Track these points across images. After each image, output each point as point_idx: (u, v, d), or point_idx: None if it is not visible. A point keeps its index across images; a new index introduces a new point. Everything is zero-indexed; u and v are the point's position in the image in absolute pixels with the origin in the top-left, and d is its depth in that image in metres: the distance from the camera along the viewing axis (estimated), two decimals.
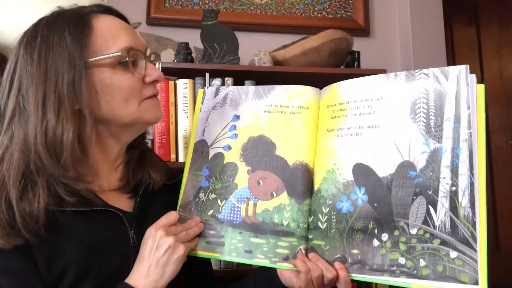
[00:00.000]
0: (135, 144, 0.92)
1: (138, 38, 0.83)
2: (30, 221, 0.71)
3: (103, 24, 0.80)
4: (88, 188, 0.79)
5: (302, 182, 0.85)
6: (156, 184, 0.91)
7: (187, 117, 1.57)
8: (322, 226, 0.82)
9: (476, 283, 0.66)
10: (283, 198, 0.85)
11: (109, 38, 0.79)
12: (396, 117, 0.80)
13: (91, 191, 0.80)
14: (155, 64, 0.88)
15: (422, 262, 0.71)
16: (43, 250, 0.73)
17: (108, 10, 0.84)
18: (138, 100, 0.81)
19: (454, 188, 0.71)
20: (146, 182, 0.90)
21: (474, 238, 0.68)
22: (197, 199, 0.92)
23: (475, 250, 0.68)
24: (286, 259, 0.81)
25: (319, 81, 1.76)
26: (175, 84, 1.60)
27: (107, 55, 0.78)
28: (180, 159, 1.57)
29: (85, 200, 0.78)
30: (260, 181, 0.88)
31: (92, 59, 0.77)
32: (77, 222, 0.77)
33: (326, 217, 0.82)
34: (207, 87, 1.01)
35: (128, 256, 0.82)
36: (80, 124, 0.78)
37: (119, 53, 0.78)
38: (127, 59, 0.79)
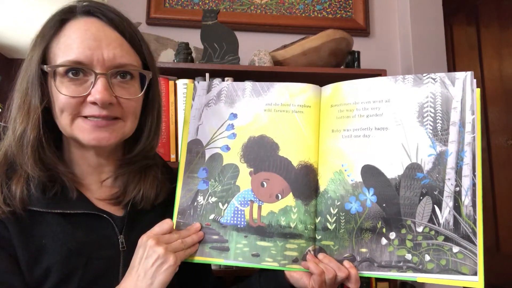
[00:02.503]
0: (133, 160, 0.88)
1: (97, 52, 0.76)
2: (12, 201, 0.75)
3: (70, 31, 0.77)
4: (78, 191, 0.80)
5: (307, 183, 0.84)
6: (148, 203, 0.88)
7: None
8: (330, 227, 0.82)
9: (475, 274, 0.73)
10: (289, 200, 0.84)
11: (64, 47, 0.77)
12: (404, 120, 0.82)
13: (81, 194, 0.80)
14: (125, 79, 0.81)
15: (427, 257, 0.76)
16: (26, 251, 0.73)
17: (91, 13, 0.80)
18: (71, 115, 0.77)
19: (458, 188, 0.77)
20: (138, 200, 0.87)
21: (475, 233, 0.75)
22: (195, 203, 0.88)
23: (475, 245, 0.74)
24: (295, 261, 0.81)
25: (319, 81, 1.75)
26: (175, 84, 1.59)
27: (50, 66, 0.76)
28: None
29: (72, 203, 0.78)
30: (264, 183, 0.86)
31: (44, 65, 0.76)
32: (63, 225, 0.77)
33: (335, 217, 0.82)
34: (198, 82, 0.95)
35: (116, 261, 0.81)
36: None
37: (60, 67, 0.76)
38: (66, 73, 0.76)
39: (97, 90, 0.75)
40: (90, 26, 0.78)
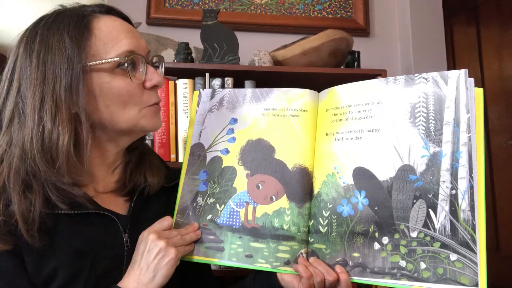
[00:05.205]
0: (134, 146, 0.91)
1: (139, 41, 0.81)
2: (25, 226, 0.71)
3: (104, 26, 0.77)
4: (82, 191, 0.78)
5: (302, 186, 0.84)
6: (152, 188, 0.90)
7: (187, 117, 1.58)
8: (323, 230, 0.82)
9: (476, 285, 0.67)
10: (283, 202, 0.84)
11: (109, 41, 0.77)
12: (396, 121, 0.80)
13: (85, 194, 0.79)
14: (158, 67, 0.87)
15: (423, 265, 0.72)
16: (32, 252, 0.73)
17: (110, 11, 0.82)
18: (138, 107, 0.80)
19: (454, 191, 0.72)
20: (141, 186, 0.89)
21: (474, 241, 0.69)
22: (194, 204, 0.90)
23: (475, 253, 0.69)
24: (287, 263, 0.81)
25: (319, 81, 1.77)
26: (175, 84, 1.60)
27: (105, 60, 0.76)
28: (180, 159, 1.57)
29: (77, 203, 0.77)
30: (259, 185, 0.87)
31: (91, 63, 0.75)
32: (69, 225, 0.77)
33: (327, 220, 0.81)
34: (203, 89, 1.00)
35: (120, 259, 0.81)
36: (77, 129, 0.76)
37: (117, 58, 0.76)
38: (126, 64, 0.77)
39: (155, 74, 0.82)
40: (116, 22, 0.80)
